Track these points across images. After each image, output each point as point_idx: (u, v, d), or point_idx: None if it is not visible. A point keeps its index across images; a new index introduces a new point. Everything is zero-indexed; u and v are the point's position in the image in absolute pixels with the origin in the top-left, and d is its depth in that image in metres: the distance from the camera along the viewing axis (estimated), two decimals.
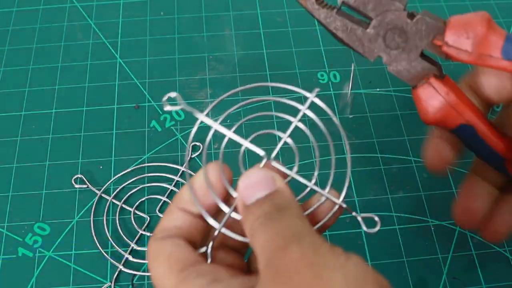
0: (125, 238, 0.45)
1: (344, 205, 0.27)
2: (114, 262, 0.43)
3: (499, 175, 0.37)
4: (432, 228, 0.45)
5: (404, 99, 0.53)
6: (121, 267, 0.43)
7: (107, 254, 0.44)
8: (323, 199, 0.27)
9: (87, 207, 0.46)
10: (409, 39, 0.32)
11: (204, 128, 0.51)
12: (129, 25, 0.59)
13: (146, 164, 0.49)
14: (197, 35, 0.58)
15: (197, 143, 0.50)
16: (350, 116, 0.52)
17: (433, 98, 0.33)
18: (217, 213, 0.28)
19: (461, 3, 0.62)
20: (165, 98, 0.28)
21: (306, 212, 0.27)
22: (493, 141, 0.34)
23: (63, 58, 0.56)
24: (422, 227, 0.45)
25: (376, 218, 0.26)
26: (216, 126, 0.28)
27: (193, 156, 0.49)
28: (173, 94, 0.28)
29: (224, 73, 0.55)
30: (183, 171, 0.48)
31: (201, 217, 0.27)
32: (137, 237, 0.45)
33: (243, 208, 0.26)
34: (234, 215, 0.27)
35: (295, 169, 0.28)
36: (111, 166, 0.49)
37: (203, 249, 0.27)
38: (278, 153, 0.29)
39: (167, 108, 0.28)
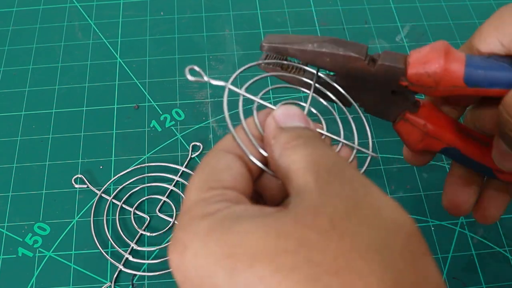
0: (125, 238, 0.45)
1: (376, 154, 0.30)
2: (114, 262, 0.43)
3: None
4: (432, 228, 0.45)
5: None
6: (121, 267, 0.43)
7: (107, 254, 0.44)
8: (354, 152, 0.29)
9: (87, 207, 0.46)
10: (376, 85, 0.33)
11: (205, 128, 0.51)
12: (129, 25, 0.59)
13: (146, 164, 0.49)
14: (197, 35, 0.58)
15: (197, 143, 0.50)
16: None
17: (412, 132, 0.34)
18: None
19: (461, 3, 0.62)
20: (187, 69, 0.29)
21: None
22: (478, 156, 0.34)
23: (63, 58, 0.56)
24: (422, 227, 0.46)
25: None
26: (243, 92, 0.29)
27: (193, 156, 0.49)
28: (196, 67, 0.29)
29: (224, 73, 0.55)
30: (183, 171, 0.48)
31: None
32: (137, 237, 0.45)
33: (276, 129, 0.25)
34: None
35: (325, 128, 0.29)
36: (111, 166, 0.49)
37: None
38: None
39: (191, 78, 0.28)
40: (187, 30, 0.59)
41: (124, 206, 0.46)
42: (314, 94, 0.32)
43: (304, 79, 0.33)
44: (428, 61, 0.30)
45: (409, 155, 0.37)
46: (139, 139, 0.50)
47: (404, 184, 0.48)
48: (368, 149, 0.30)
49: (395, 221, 0.21)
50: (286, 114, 0.26)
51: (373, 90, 0.33)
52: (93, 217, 0.46)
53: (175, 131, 0.51)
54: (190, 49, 0.57)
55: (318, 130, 0.28)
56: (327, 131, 0.29)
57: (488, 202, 0.37)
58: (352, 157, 0.29)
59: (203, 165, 0.25)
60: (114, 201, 0.47)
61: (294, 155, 0.23)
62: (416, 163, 0.38)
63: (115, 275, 0.43)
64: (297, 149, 0.24)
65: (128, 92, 0.54)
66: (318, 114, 0.31)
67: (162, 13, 0.60)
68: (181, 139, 0.50)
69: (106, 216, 0.46)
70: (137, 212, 0.46)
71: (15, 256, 0.44)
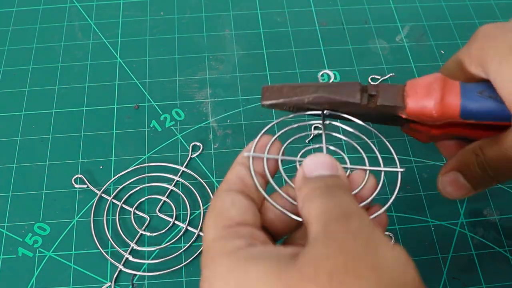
0: (125, 238, 0.45)
1: (403, 169, 0.32)
2: (114, 262, 0.43)
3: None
4: (432, 228, 0.45)
5: None
6: (121, 267, 0.43)
7: (107, 254, 0.44)
8: (382, 173, 0.32)
9: (87, 207, 0.46)
10: (378, 115, 0.34)
11: (205, 128, 0.51)
12: (129, 25, 0.59)
13: (146, 164, 0.49)
14: (197, 35, 0.58)
15: (197, 143, 0.50)
16: None
17: (419, 135, 0.36)
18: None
19: (461, 3, 0.62)
20: None
21: (376, 192, 0.31)
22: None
23: (63, 58, 0.56)
24: (422, 227, 0.45)
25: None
26: (280, 157, 0.31)
27: (193, 156, 0.49)
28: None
29: (224, 73, 0.55)
30: (183, 171, 0.48)
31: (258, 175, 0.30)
32: (137, 237, 0.45)
33: (302, 179, 0.28)
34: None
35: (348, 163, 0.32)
36: (111, 166, 0.49)
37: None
38: None
39: None
40: (187, 30, 0.59)
41: (124, 206, 0.46)
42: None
43: (312, 122, 0.35)
44: (425, 98, 0.31)
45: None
46: (139, 139, 0.50)
47: (404, 184, 0.48)
48: (396, 166, 0.32)
49: (395, 276, 0.22)
50: (313, 163, 0.28)
51: (375, 116, 0.35)
52: (93, 217, 0.46)
53: (175, 131, 0.51)
54: (190, 49, 0.57)
55: (343, 166, 0.30)
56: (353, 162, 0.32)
57: None
58: (398, 183, 0.32)
59: (211, 208, 0.29)
60: (114, 201, 0.47)
61: (310, 206, 0.26)
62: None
63: (115, 275, 0.43)
64: (313, 200, 0.26)
65: (128, 92, 0.54)
66: (340, 152, 0.33)
67: (162, 13, 0.60)
68: (181, 139, 0.50)
69: (106, 216, 0.46)
70: (137, 212, 0.46)
71: (15, 256, 0.44)
